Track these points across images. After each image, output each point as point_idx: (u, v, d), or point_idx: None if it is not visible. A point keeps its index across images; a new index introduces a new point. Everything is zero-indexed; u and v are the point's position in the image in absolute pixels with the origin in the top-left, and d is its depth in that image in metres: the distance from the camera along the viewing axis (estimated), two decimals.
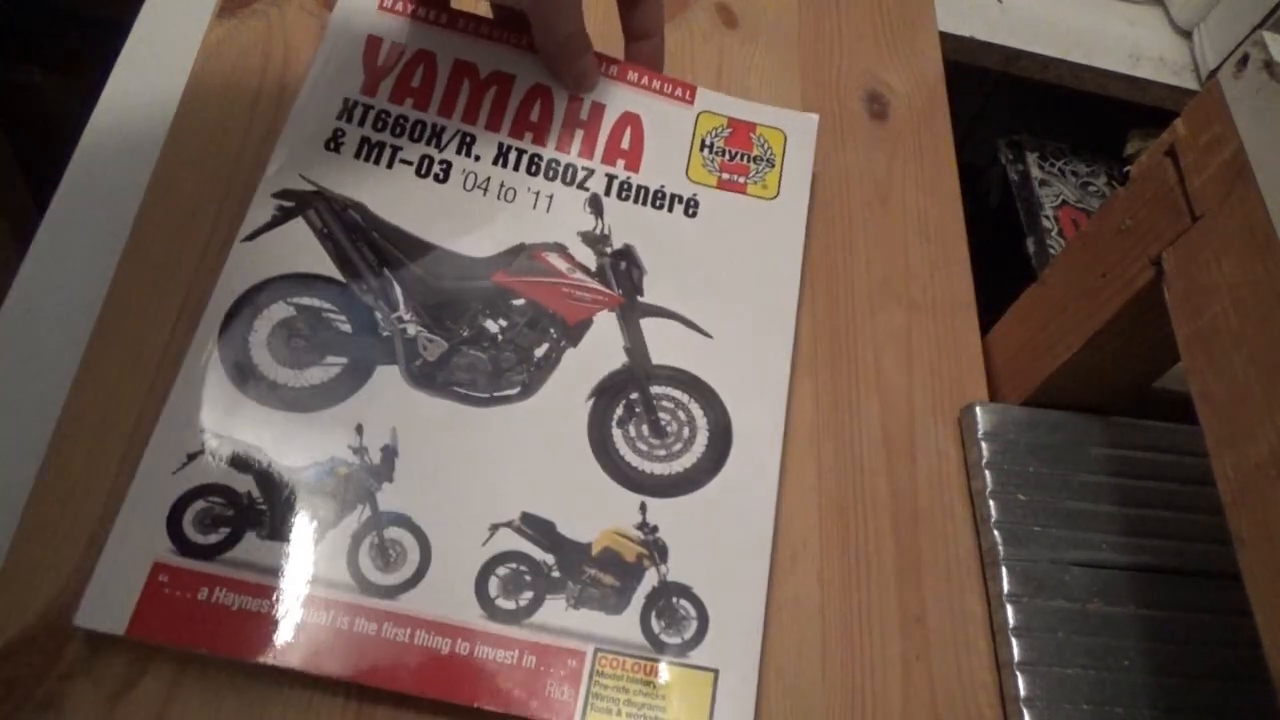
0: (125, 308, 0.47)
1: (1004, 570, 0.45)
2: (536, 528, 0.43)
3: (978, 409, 0.50)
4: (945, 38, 0.66)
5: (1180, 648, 0.45)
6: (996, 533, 0.46)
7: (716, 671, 0.42)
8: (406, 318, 0.47)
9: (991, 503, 0.47)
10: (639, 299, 0.50)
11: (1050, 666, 0.44)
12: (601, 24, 0.62)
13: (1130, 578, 0.46)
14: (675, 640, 0.42)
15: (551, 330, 0.48)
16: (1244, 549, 0.34)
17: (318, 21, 0.57)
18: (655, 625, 0.42)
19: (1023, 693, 0.43)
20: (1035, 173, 0.73)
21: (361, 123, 0.51)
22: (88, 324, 0.46)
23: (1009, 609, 0.45)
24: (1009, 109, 0.82)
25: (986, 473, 0.48)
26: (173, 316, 0.47)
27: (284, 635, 0.39)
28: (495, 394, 0.46)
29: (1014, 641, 0.44)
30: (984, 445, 0.49)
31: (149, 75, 0.54)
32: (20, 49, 0.96)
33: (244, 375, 0.44)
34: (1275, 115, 0.35)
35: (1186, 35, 0.73)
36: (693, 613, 0.43)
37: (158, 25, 0.56)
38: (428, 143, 0.51)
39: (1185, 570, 0.47)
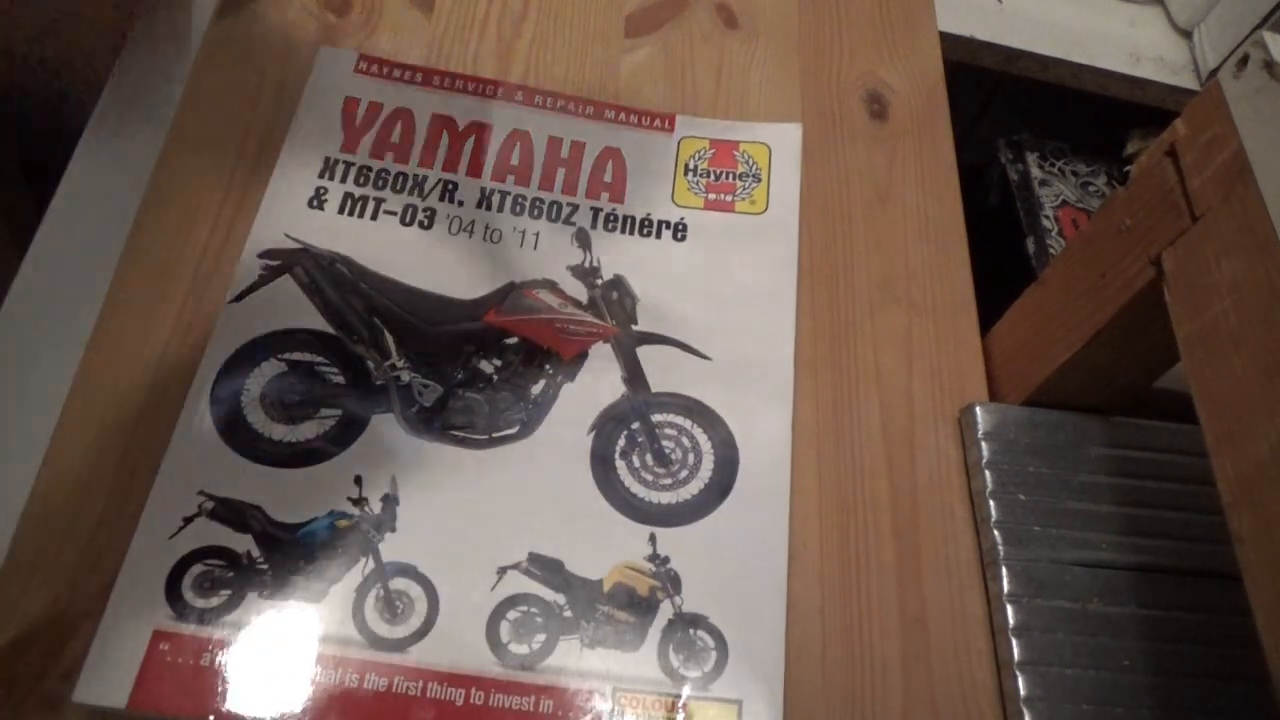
0: (125, 308, 0.47)
1: (1004, 570, 0.45)
2: (545, 568, 0.43)
3: (978, 409, 0.50)
4: (945, 38, 0.66)
5: (1180, 648, 0.45)
6: (996, 533, 0.46)
7: (740, 702, 0.41)
8: (400, 365, 0.47)
9: (991, 503, 0.47)
10: (634, 328, 0.50)
11: (1050, 666, 0.44)
12: (602, 23, 0.62)
13: (1130, 578, 0.46)
14: (695, 673, 0.42)
15: (547, 366, 0.48)
16: (1244, 549, 0.34)
17: (318, 21, 0.57)
18: (674, 659, 0.42)
19: (1023, 693, 0.43)
20: (1035, 173, 0.73)
21: (343, 179, 0.51)
22: (88, 324, 0.46)
23: (1009, 609, 0.45)
24: (1009, 109, 0.82)
25: (986, 473, 0.48)
26: (172, 317, 0.47)
27: (292, 697, 0.39)
28: (494, 435, 0.46)
29: (1014, 641, 0.44)
30: (984, 445, 0.49)
31: (149, 76, 0.54)
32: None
33: (238, 434, 0.44)
34: (1275, 115, 0.35)
35: (1186, 35, 0.73)
36: (711, 643, 0.42)
37: (158, 25, 0.56)
38: (410, 193, 0.52)
39: (1185, 570, 0.47)
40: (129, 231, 0.49)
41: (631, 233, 0.53)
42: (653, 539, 0.44)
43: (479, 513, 0.44)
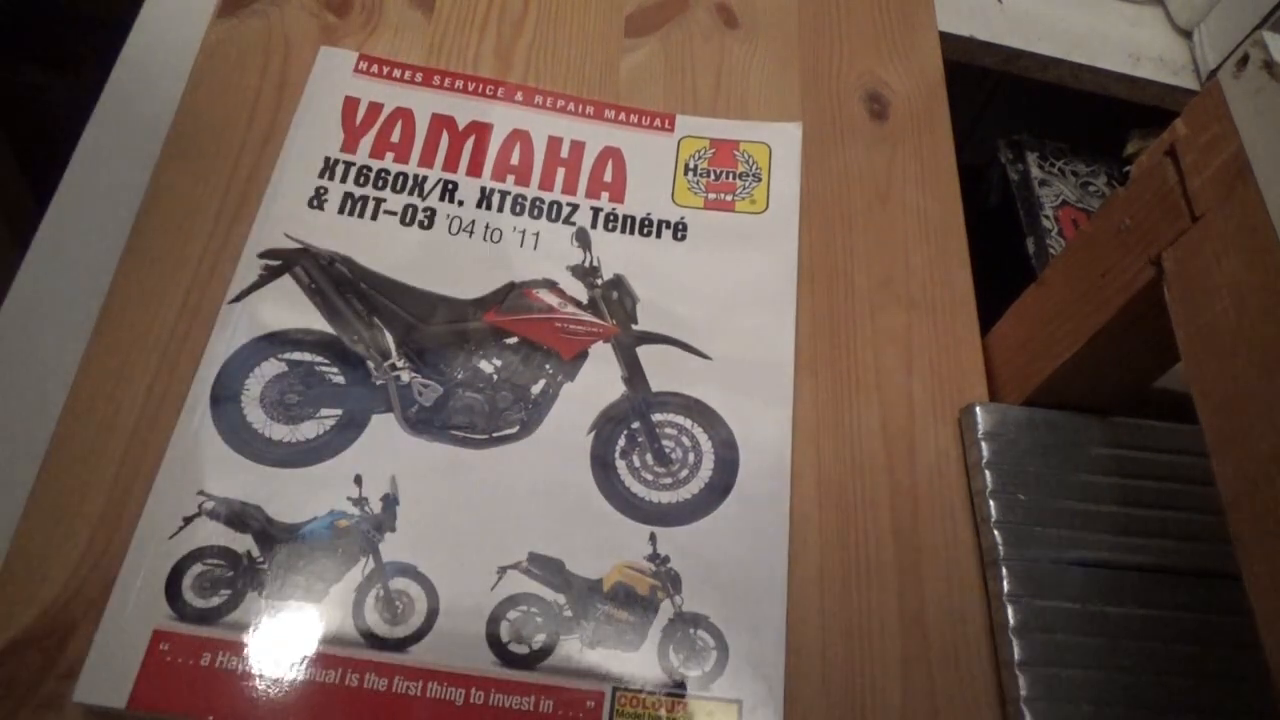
0: (125, 307, 0.47)
1: (1004, 570, 0.45)
2: (545, 568, 0.43)
3: (978, 409, 0.50)
4: (945, 38, 0.66)
5: (1180, 648, 0.45)
6: (996, 533, 0.46)
7: (740, 702, 0.41)
8: (399, 365, 0.47)
9: (991, 503, 0.47)
10: (634, 327, 0.50)
11: (1050, 666, 0.44)
12: (602, 23, 0.62)
13: (1130, 578, 0.46)
14: (695, 673, 0.42)
15: (547, 366, 0.48)
16: (1244, 549, 0.34)
17: (318, 22, 0.57)
18: (674, 659, 0.42)
19: (1023, 693, 0.43)
20: (1035, 173, 0.73)
21: (343, 179, 0.51)
22: (88, 324, 0.46)
23: (1009, 609, 0.45)
24: (1009, 109, 0.82)
25: (986, 473, 0.48)
26: (173, 317, 0.47)
27: (292, 697, 0.39)
28: (494, 434, 0.46)
29: (1014, 641, 0.44)
30: (984, 445, 0.49)
31: (149, 75, 0.54)
32: (20, 49, 0.96)
33: (238, 434, 0.44)
34: (1275, 115, 0.35)
35: (1186, 35, 0.73)
36: (711, 643, 0.42)
37: (158, 25, 0.56)
38: (410, 192, 0.52)
39: (1185, 570, 0.47)
40: (129, 231, 0.49)
41: (631, 232, 0.53)
42: (653, 539, 0.44)
43: (479, 513, 0.44)
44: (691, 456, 0.47)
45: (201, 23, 0.56)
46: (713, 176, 0.55)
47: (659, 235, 0.53)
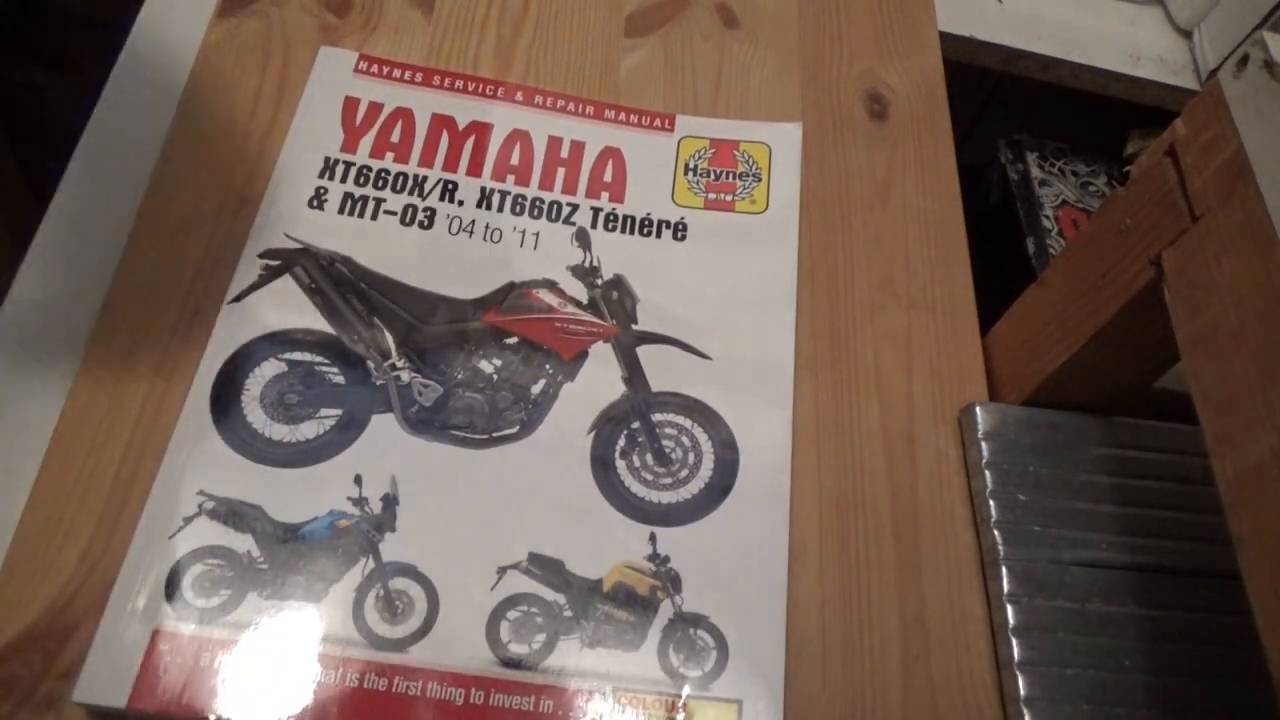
0: (125, 308, 0.47)
1: (1004, 570, 0.45)
2: (545, 568, 0.43)
3: (978, 409, 0.50)
4: (945, 38, 0.66)
5: (1180, 648, 0.45)
6: (996, 533, 0.46)
7: (740, 702, 0.41)
8: (399, 365, 0.47)
9: (991, 503, 0.47)
10: (634, 327, 0.50)
11: (1050, 666, 0.44)
12: (602, 23, 0.62)
13: (1130, 578, 0.46)
14: (695, 673, 0.42)
15: (547, 366, 0.48)
16: (1244, 549, 0.34)
17: (318, 22, 0.57)
18: (674, 659, 0.42)
19: (1023, 693, 0.43)
20: (1035, 173, 0.73)
21: (343, 179, 0.51)
22: (88, 324, 0.46)
23: (1009, 609, 0.45)
24: (1009, 109, 0.82)
25: (986, 473, 0.48)
26: (172, 317, 0.47)
27: (292, 697, 0.39)
28: (494, 434, 0.46)
29: (1014, 641, 0.44)
30: (984, 445, 0.49)
31: (149, 75, 0.54)
32: (20, 49, 0.96)
33: (238, 434, 0.44)
34: (1275, 115, 0.35)
35: (1186, 35, 0.73)
36: (711, 643, 0.42)
37: (158, 25, 0.56)
38: (410, 192, 0.52)
39: (1185, 570, 0.47)
40: (129, 231, 0.49)
41: (631, 232, 0.53)
42: (653, 539, 0.44)
43: (479, 513, 0.44)
44: (691, 456, 0.47)
45: (201, 23, 0.56)
46: (713, 176, 0.55)
47: (659, 235, 0.53)
